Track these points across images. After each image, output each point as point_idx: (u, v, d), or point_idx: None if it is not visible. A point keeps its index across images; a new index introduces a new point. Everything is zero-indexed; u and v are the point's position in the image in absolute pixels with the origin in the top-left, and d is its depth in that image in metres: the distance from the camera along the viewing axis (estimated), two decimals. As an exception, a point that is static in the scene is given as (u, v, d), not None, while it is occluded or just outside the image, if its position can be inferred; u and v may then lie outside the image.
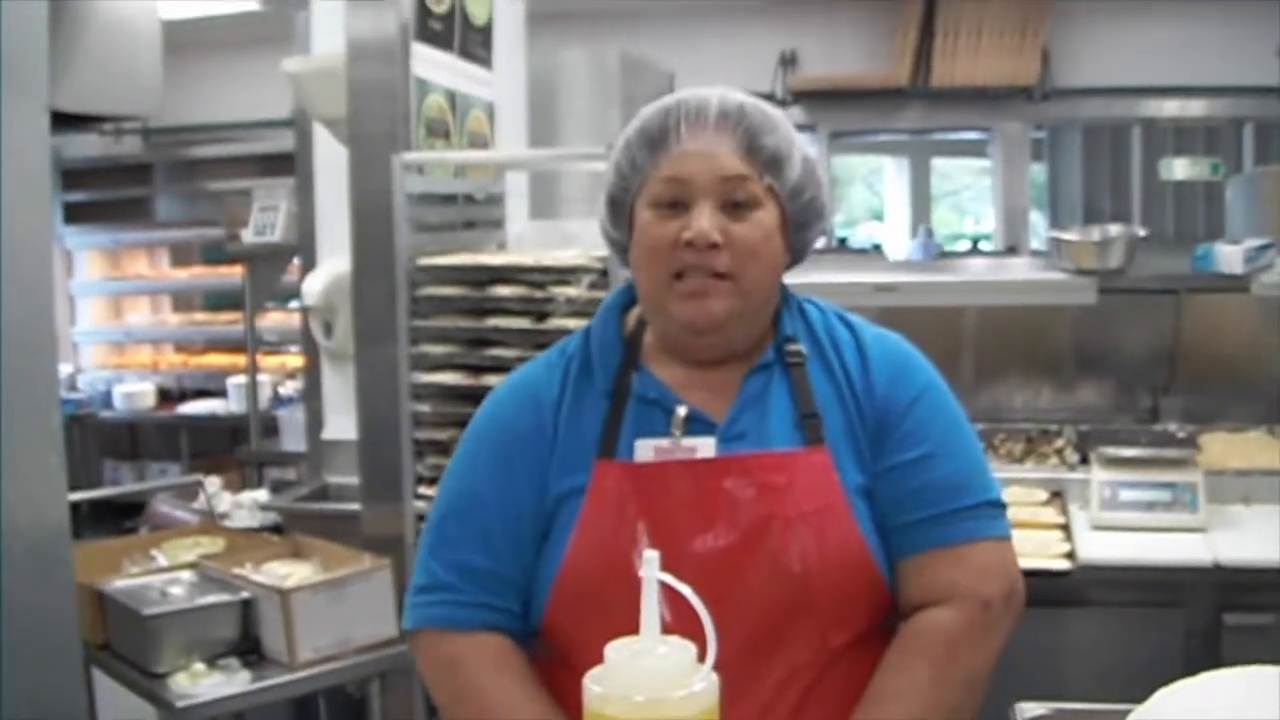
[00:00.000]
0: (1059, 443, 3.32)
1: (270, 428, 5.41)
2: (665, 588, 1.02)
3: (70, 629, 2.18)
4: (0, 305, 2.02)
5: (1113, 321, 3.49)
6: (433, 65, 3.22)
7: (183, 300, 7.20)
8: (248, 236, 4.97)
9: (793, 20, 6.65)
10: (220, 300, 6.78)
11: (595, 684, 1.00)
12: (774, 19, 6.65)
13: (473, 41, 3.47)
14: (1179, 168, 6.51)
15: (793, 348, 1.43)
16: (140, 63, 3.65)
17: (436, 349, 3.02)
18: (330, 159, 3.56)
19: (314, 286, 3.68)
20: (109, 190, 7.18)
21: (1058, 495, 3.10)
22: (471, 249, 3.23)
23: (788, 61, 6.69)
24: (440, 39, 3.27)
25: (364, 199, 3.03)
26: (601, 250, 2.76)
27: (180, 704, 2.36)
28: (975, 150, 8.23)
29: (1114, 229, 3.40)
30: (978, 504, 1.39)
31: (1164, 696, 1.19)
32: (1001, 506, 1.42)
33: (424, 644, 1.43)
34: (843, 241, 8.25)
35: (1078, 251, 3.30)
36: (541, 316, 2.93)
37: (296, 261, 4.49)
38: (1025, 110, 6.55)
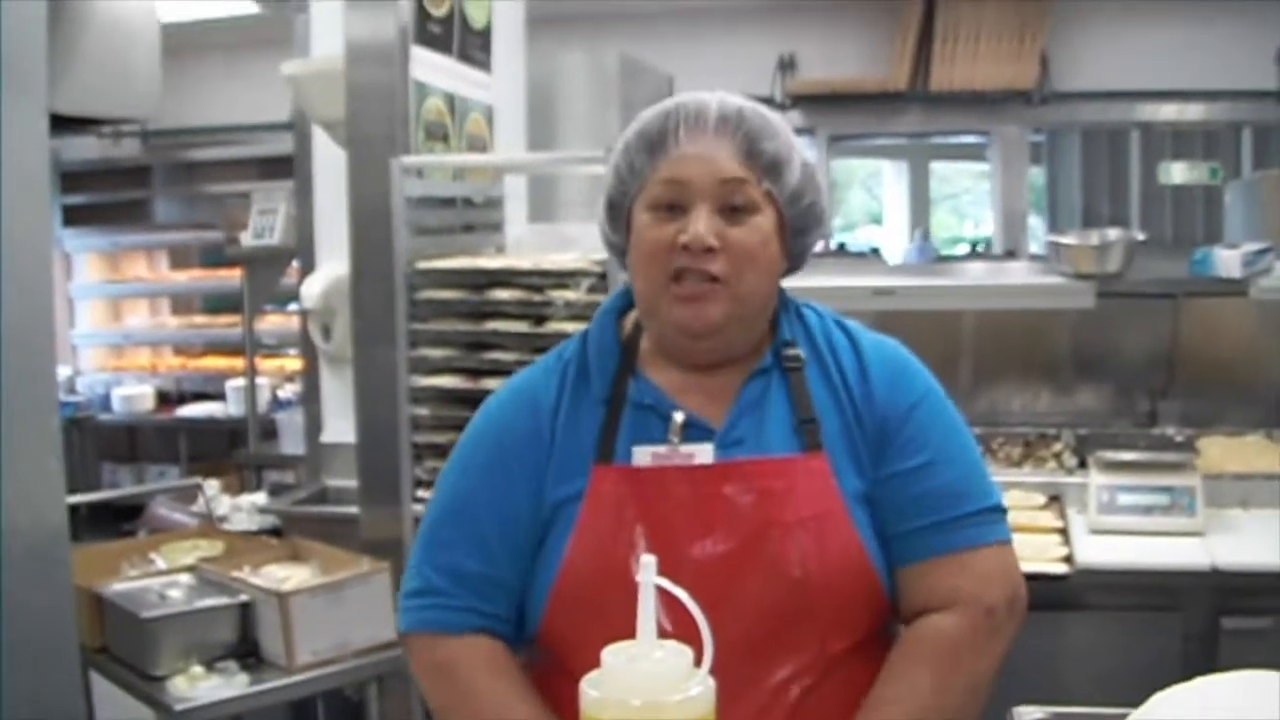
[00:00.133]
0: (1057, 446, 3.32)
1: (269, 431, 5.41)
2: (663, 593, 1.02)
3: (68, 632, 2.18)
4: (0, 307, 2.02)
5: (1111, 325, 3.49)
6: (432, 68, 3.22)
7: (181, 303, 7.21)
8: (246, 239, 4.97)
9: (792, 23, 6.66)
10: (219, 303, 6.79)
11: (592, 688, 1.00)
12: (773, 22, 6.66)
13: (472, 44, 3.47)
14: (1177, 172, 6.52)
15: (791, 352, 1.43)
16: (139, 65, 3.65)
17: (435, 352, 3.02)
18: (329, 162, 3.57)
19: (313, 289, 3.68)
20: (108, 193, 7.20)
21: (1055, 499, 3.10)
22: (470, 252, 3.23)
23: (787, 65, 6.70)
24: (439, 42, 3.27)
25: (363, 202, 3.04)
26: (600, 254, 2.76)
27: (178, 707, 2.36)
28: (974, 154, 8.25)
29: (1112, 233, 3.40)
30: (980, 510, 1.39)
31: (1159, 701, 1.19)
32: (1002, 511, 1.42)
33: (417, 647, 1.43)
34: (841, 245, 8.26)
35: (1076, 255, 3.30)
36: (540, 320, 2.93)
37: (295, 264, 4.49)
38: (1024, 114, 6.55)
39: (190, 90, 6.37)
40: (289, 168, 4.30)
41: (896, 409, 1.40)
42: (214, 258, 6.48)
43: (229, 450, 5.76)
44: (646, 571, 1.03)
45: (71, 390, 6.50)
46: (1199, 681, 1.19)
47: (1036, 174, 7.02)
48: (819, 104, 6.68)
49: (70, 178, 7.00)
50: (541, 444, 1.41)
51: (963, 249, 8.90)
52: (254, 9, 5.07)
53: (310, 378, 4.11)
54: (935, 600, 1.36)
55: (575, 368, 1.45)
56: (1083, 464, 3.15)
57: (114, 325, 7.03)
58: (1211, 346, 3.50)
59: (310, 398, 4.12)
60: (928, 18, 6.42)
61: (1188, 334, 3.48)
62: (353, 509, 3.15)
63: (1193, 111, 6.43)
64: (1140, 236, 3.45)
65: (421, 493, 2.97)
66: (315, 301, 3.67)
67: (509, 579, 1.40)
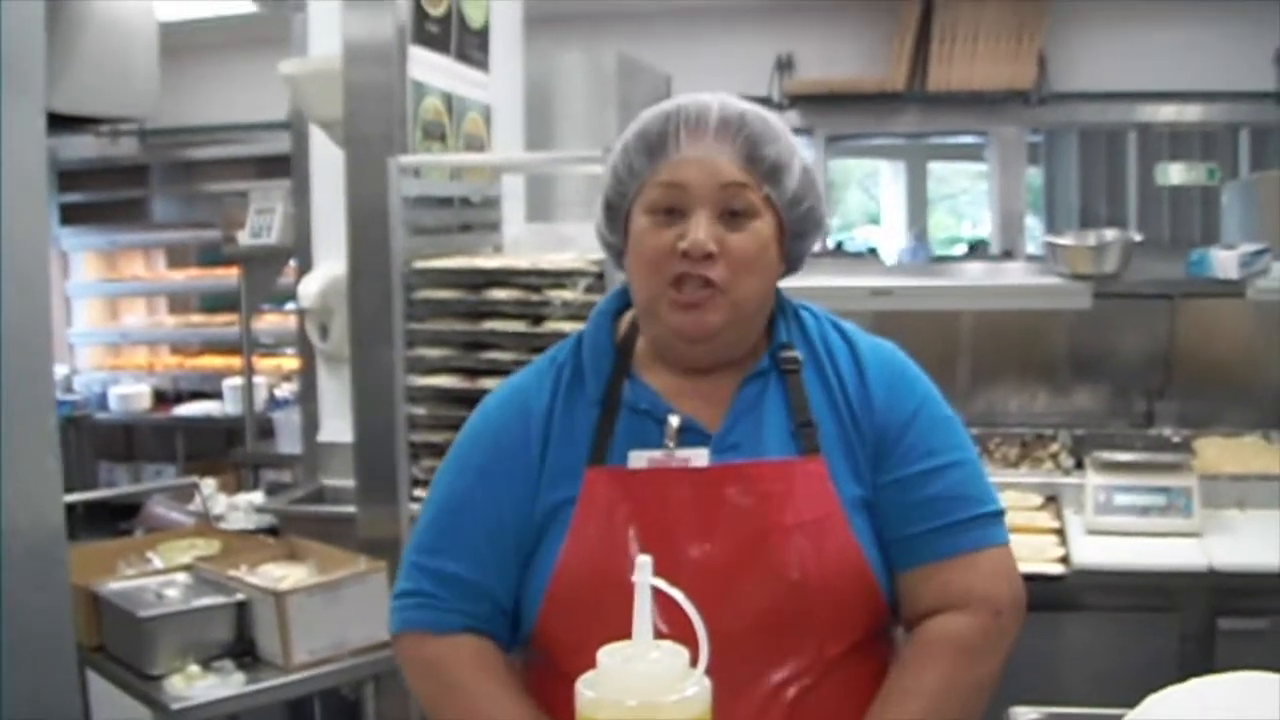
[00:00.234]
0: (1054, 447, 3.33)
1: (266, 430, 5.41)
2: (659, 594, 1.02)
3: (65, 631, 2.17)
4: (-4, 307, 2.02)
5: (1108, 326, 3.49)
6: (429, 68, 3.22)
7: (179, 302, 7.20)
8: (244, 238, 4.96)
9: (789, 23, 6.65)
10: (216, 302, 6.78)
11: (587, 689, 1.00)
12: (771, 22, 6.65)
13: (469, 44, 3.47)
14: (1175, 173, 6.51)
15: (788, 354, 1.42)
16: (137, 64, 3.65)
17: (432, 352, 3.02)
18: (326, 161, 3.56)
19: (310, 289, 3.68)
20: (105, 192, 7.19)
21: (1052, 499, 3.10)
22: (467, 252, 3.23)
23: (784, 65, 6.69)
24: (437, 41, 3.27)
25: (360, 201, 3.03)
26: (598, 253, 2.75)
27: (175, 706, 2.35)
28: (971, 154, 8.24)
29: (1109, 234, 3.40)
30: (983, 513, 1.39)
31: (1155, 702, 1.19)
32: (1002, 514, 1.42)
33: (406, 647, 1.43)
34: (839, 245, 8.26)
35: (1073, 256, 3.30)
36: (537, 320, 2.93)
37: (292, 264, 4.49)
38: (1021, 115, 6.55)
39: (188, 89, 6.36)
40: (286, 167, 4.30)
41: (896, 416, 1.40)
42: (211, 257, 6.47)
43: (226, 449, 5.76)
44: (642, 571, 1.03)
45: (68, 389, 6.49)
46: (1195, 682, 1.19)
47: (1034, 174, 7.02)
48: (817, 104, 6.68)
49: (68, 176, 6.99)
50: (533, 449, 1.41)
51: (960, 249, 8.89)
52: (252, 8, 5.06)
53: (307, 377, 4.11)
54: (946, 600, 1.36)
55: (570, 370, 1.44)
56: (1079, 464, 3.16)
57: (111, 324, 7.02)
58: (1208, 347, 3.51)
59: (307, 397, 4.12)
60: (925, 18, 6.42)
61: (1184, 335, 3.48)
62: (350, 508, 3.15)
63: (1190, 112, 6.43)
64: (1137, 237, 3.45)
65: (419, 492, 2.97)
66: (312, 301, 3.67)
67: (496, 584, 1.39)
